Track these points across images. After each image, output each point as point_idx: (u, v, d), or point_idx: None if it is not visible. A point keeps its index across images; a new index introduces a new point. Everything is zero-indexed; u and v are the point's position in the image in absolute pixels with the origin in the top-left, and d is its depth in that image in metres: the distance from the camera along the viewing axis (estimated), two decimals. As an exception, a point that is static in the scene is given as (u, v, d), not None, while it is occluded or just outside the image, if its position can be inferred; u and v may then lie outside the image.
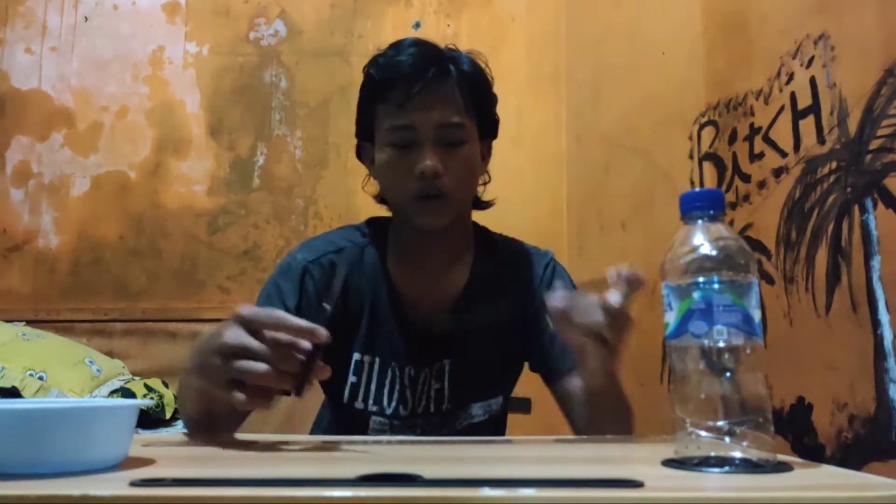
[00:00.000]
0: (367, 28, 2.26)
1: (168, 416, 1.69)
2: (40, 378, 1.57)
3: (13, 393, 1.50)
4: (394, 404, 0.92)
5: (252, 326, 0.64)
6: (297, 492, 0.43)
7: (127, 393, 1.66)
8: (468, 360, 0.93)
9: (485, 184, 1.00)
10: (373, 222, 1.00)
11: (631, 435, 0.88)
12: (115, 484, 0.46)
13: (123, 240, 2.13)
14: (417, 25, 2.26)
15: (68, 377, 1.63)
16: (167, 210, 2.15)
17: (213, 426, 0.80)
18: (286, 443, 0.72)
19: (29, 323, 1.93)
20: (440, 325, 0.94)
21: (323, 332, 0.63)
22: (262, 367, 0.62)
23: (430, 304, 0.95)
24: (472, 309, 0.95)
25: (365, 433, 0.93)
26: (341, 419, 0.97)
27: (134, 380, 1.78)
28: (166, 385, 1.79)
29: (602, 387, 0.80)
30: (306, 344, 0.62)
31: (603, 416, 0.84)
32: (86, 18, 2.24)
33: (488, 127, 0.95)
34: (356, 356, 0.92)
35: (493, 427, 0.98)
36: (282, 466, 0.60)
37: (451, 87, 0.88)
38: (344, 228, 1.01)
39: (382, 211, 1.00)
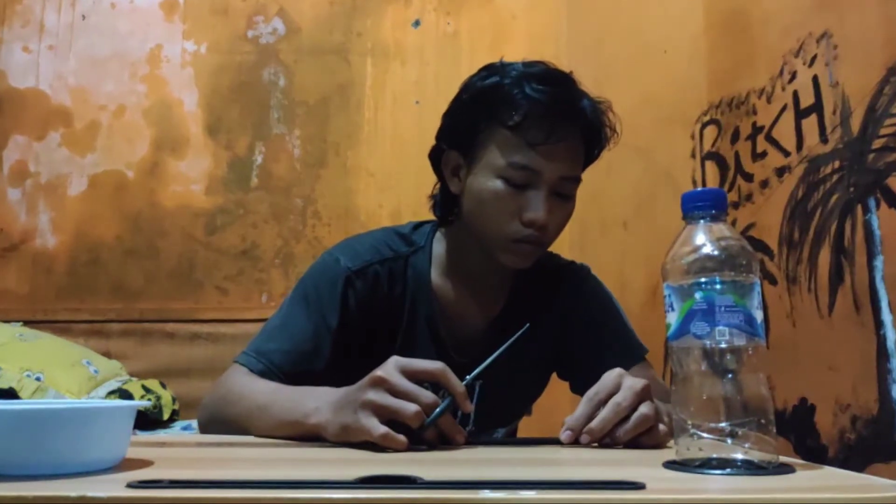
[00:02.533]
0: (367, 26, 2.26)
1: (165, 416, 1.69)
2: (37, 379, 1.56)
3: (10, 394, 1.50)
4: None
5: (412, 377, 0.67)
6: (295, 494, 0.43)
7: (124, 394, 1.66)
8: (500, 385, 0.87)
9: None
10: (418, 228, 0.97)
11: None
12: (113, 485, 0.46)
13: (121, 239, 2.13)
14: (417, 24, 2.26)
15: (66, 378, 1.62)
16: (165, 210, 2.15)
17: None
18: (285, 444, 0.72)
19: (26, 323, 1.92)
20: (472, 346, 0.91)
21: (469, 407, 0.68)
22: (413, 407, 0.65)
23: (468, 322, 0.93)
24: (508, 330, 0.89)
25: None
26: None
27: (131, 380, 1.77)
28: (164, 386, 1.78)
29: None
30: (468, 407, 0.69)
31: None
32: (83, 17, 2.23)
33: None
34: None
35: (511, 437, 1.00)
36: (280, 468, 0.60)
37: (579, 138, 0.86)
38: (386, 232, 0.97)
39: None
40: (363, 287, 0.88)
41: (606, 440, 0.69)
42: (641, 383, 0.70)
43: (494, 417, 0.92)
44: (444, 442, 0.69)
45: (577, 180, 0.87)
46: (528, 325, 0.79)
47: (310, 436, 0.72)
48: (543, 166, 0.82)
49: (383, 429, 0.64)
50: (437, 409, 0.67)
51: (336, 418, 0.68)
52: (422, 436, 0.66)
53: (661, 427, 0.69)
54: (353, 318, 0.88)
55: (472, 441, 0.86)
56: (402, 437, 0.64)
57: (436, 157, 0.93)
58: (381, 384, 0.66)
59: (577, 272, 1.00)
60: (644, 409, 0.68)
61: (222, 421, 0.82)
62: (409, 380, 0.67)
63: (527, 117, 0.82)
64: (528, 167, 0.82)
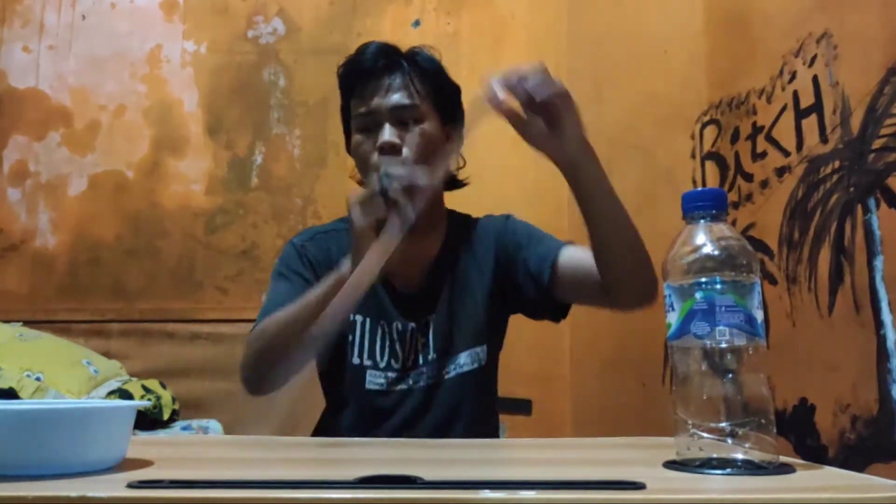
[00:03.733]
0: (367, 26, 2.26)
1: (166, 417, 1.68)
2: (38, 379, 1.56)
3: (10, 394, 1.50)
4: (386, 358, 1.03)
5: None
6: (296, 493, 0.43)
7: (124, 394, 1.66)
8: (449, 314, 1.04)
9: (459, 168, 1.13)
10: None
11: (652, 282, 0.92)
12: (113, 485, 0.46)
13: (121, 239, 2.12)
14: (417, 24, 2.26)
15: (66, 378, 1.62)
16: (165, 210, 2.15)
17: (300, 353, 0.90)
18: (286, 444, 0.72)
19: (26, 323, 1.92)
20: (417, 285, 1.05)
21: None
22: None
23: (409, 267, 1.05)
24: (446, 268, 1.07)
25: (362, 389, 1.02)
26: (339, 384, 1.05)
27: (131, 380, 1.77)
28: (164, 386, 1.78)
29: (583, 169, 0.87)
30: None
31: (610, 234, 0.91)
32: (83, 17, 2.23)
33: (450, 112, 1.08)
34: (351, 317, 1.04)
35: (482, 379, 1.05)
36: (281, 468, 0.60)
37: (404, 76, 1.04)
38: (336, 220, 1.15)
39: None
40: (314, 249, 1.08)
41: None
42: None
43: (451, 341, 1.04)
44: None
45: (414, 107, 1.02)
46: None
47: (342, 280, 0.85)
48: (376, 104, 1.01)
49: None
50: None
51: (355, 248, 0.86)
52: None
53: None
54: (316, 272, 1.05)
55: (438, 367, 1.00)
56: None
57: (348, 148, 1.12)
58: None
59: (505, 216, 1.15)
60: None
61: (273, 344, 0.94)
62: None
63: (357, 79, 1.04)
64: (367, 111, 1.02)
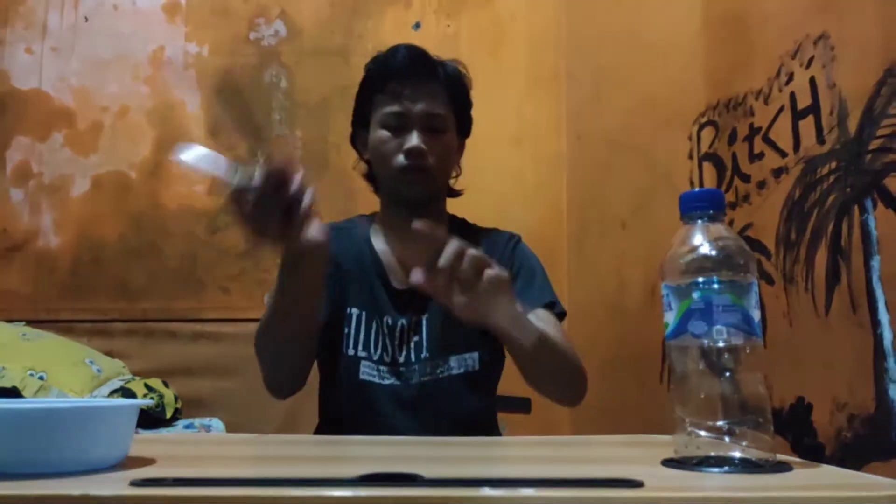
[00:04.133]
0: (367, 28, 2.26)
1: (168, 415, 1.69)
2: (41, 378, 1.57)
3: (14, 393, 1.50)
4: (379, 351, 1.07)
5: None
6: (297, 491, 0.43)
7: (127, 393, 1.66)
8: (442, 316, 1.05)
9: (456, 176, 1.18)
10: (364, 214, 1.22)
11: (576, 392, 0.97)
12: (116, 484, 0.46)
13: (123, 240, 2.13)
14: (417, 26, 2.26)
15: (69, 377, 1.63)
16: (167, 210, 2.15)
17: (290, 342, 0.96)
18: (287, 442, 0.73)
19: (29, 323, 1.92)
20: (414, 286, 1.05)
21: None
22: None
23: (409, 267, 1.05)
24: None
25: (357, 380, 1.04)
26: (336, 372, 1.07)
27: (134, 379, 1.78)
28: (166, 385, 1.79)
29: (513, 339, 0.85)
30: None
31: (537, 371, 0.93)
32: (86, 18, 2.23)
33: (464, 125, 1.14)
34: (348, 310, 1.08)
35: (477, 383, 1.07)
36: (282, 466, 0.60)
37: (437, 85, 1.08)
38: (352, 217, 1.21)
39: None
40: None
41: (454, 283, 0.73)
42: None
43: (442, 343, 1.06)
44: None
45: (443, 116, 1.07)
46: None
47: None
48: (408, 108, 1.05)
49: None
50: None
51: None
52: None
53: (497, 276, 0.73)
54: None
55: (430, 366, 1.02)
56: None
57: (353, 141, 1.17)
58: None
59: (509, 235, 1.17)
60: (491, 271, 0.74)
61: (260, 353, 0.98)
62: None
63: (389, 77, 1.07)
64: (397, 112, 1.05)
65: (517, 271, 1.09)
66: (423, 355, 1.06)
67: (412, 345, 1.07)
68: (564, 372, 0.97)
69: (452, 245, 0.73)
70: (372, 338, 1.07)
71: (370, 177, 1.17)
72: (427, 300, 1.06)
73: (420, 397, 1.03)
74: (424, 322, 1.07)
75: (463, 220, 1.20)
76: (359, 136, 1.15)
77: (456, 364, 1.06)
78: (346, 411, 1.05)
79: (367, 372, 1.05)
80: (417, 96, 1.06)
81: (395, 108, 1.06)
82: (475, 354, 1.07)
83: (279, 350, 0.97)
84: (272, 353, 0.98)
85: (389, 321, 1.07)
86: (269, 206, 0.77)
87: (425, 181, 1.07)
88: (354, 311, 1.08)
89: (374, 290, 1.09)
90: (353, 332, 1.07)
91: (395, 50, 1.10)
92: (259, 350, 0.98)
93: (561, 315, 1.07)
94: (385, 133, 1.07)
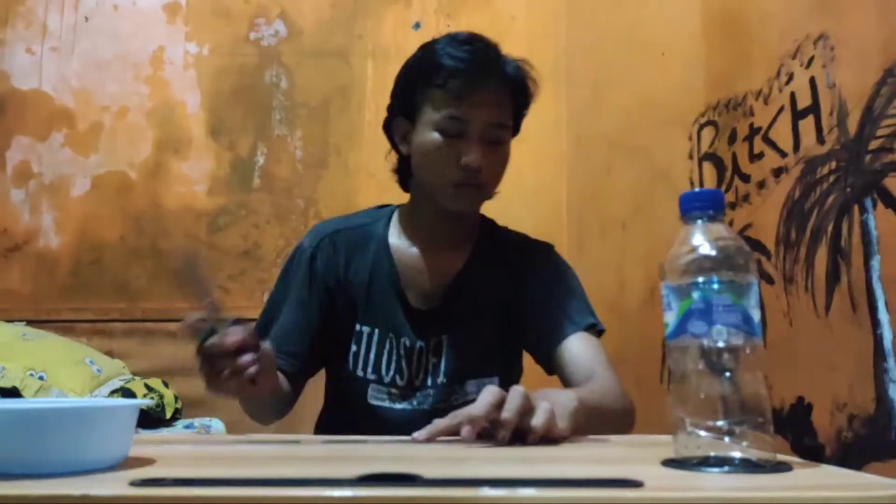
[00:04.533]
0: (368, 28, 2.26)
1: (168, 415, 1.69)
2: (41, 378, 1.57)
3: (14, 393, 1.50)
4: (391, 374, 0.98)
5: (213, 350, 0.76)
6: (297, 491, 0.43)
7: (127, 393, 1.66)
8: (464, 337, 0.99)
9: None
10: (384, 207, 1.09)
11: (627, 430, 0.90)
12: (115, 484, 0.46)
13: (124, 240, 2.13)
14: (417, 26, 2.26)
15: (69, 377, 1.63)
16: (167, 210, 2.15)
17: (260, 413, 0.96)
18: (286, 442, 0.73)
19: (29, 323, 1.92)
20: (433, 301, 1.00)
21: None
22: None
23: (428, 281, 1.01)
24: (468, 289, 1.01)
25: (364, 403, 0.98)
26: (341, 393, 1.02)
27: (134, 380, 1.78)
28: (166, 385, 1.79)
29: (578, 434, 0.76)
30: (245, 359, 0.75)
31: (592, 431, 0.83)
32: (86, 19, 2.23)
33: (517, 129, 1.03)
34: (357, 327, 0.99)
35: None
36: (282, 466, 0.60)
37: (504, 91, 0.95)
38: (357, 212, 1.10)
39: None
40: (323, 258, 1.01)
41: (521, 433, 0.67)
42: (521, 390, 0.69)
43: (462, 366, 0.99)
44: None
45: (506, 127, 0.97)
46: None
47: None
48: (471, 115, 0.92)
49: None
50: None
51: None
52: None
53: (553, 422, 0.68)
54: (321, 284, 1.00)
55: (445, 392, 0.96)
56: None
57: (388, 127, 1.04)
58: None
59: (542, 245, 1.09)
60: (544, 403, 0.68)
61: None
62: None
63: (452, 74, 0.92)
64: (458, 117, 0.92)
65: (554, 288, 1.01)
66: (440, 380, 0.98)
67: (429, 368, 0.99)
68: (614, 424, 0.86)
69: (512, 407, 0.65)
70: (384, 359, 0.99)
71: (401, 170, 1.05)
72: (448, 320, 0.99)
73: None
74: (445, 345, 0.99)
75: (493, 224, 1.10)
76: (397, 125, 1.02)
77: (473, 389, 0.98)
78: (350, 432, 0.97)
79: (375, 396, 0.98)
80: (483, 101, 0.92)
81: (455, 112, 0.92)
82: (495, 379, 0.99)
83: (256, 412, 0.97)
84: (250, 413, 0.97)
85: (406, 343, 0.99)
86: (225, 365, 0.75)
87: (478, 198, 0.98)
88: (365, 329, 0.99)
89: (390, 308, 0.99)
90: (362, 351, 0.99)
91: (461, 40, 0.95)
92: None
93: (600, 333, 1.00)
94: (439, 138, 0.93)
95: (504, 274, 1.02)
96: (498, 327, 1.01)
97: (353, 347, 0.99)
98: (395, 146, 1.04)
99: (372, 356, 0.99)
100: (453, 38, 0.95)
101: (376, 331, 0.99)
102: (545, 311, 0.98)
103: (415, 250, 1.02)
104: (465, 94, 0.92)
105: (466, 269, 1.02)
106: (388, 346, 0.99)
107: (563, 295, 1.00)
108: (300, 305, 1.00)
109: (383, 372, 0.99)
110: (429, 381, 0.99)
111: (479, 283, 1.01)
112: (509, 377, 1.03)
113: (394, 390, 0.98)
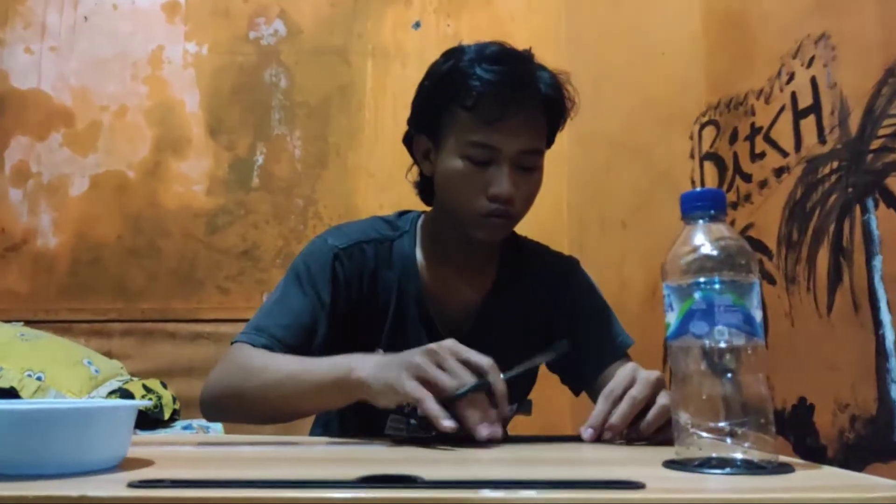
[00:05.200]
0: (367, 28, 2.26)
1: (166, 416, 1.69)
2: (38, 378, 1.57)
3: (11, 393, 1.50)
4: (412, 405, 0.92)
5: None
6: (296, 493, 0.43)
7: (125, 393, 1.66)
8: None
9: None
10: (403, 215, 1.01)
11: None
12: (114, 485, 0.46)
13: (122, 240, 2.13)
14: (417, 25, 2.26)
15: (67, 378, 1.62)
16: (166, 210, 2.15)
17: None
18: (286, 444, 0.72)
19: (27, 323, 1.92)
20: (462, 328, 0.94)
21: (506, 410, 0.70)
22: (453, 382, 0.69)
23: (457, 302, 0.96)
24: (497, 316, 0.96)
25: (381, 429, 0.89)
26: (357, 415, 0.94)
27: (132, 380, 1.77)
28: (165, 386, 1.78)
29: None
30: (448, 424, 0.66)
31: None
32: (85, 18, 2.23)
33: (551, 142, 0.95)
34: (380, 352, 0.91)
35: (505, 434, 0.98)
36: (281, 467, 0.60)
37: (538, 112, 0.88)
38: (374, 219, 1.00)
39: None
40: (350, 264, 0.92)
41: (632, 435, 0.71)
42: (655, 375, 0.71)
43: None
44: (462, 436, 0.68)
45: (539, 152, 0.89)
46: (565, 340, 0.83)
47: (348, 394, 0.74)
48: (502, 142, 0.84)
49: (426, 392, 0.66)
50: (470, 385, 0.68)
51: (381, 374, 0.71)
52: (449, 409, 0.66)
53: None
54: (343, 294, 0.91)
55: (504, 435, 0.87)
56: (439, 410, 0.65)
57: (409, 141, 0.96)
58: (431, 355, 0.69)
59: (567, 261, 1.04)
60: (662, 399, 0.70)
61: (241, 395, 0.82)
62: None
63: (481, 97, 0.84)
64: (487, 144, 0.84)
65: (587, 317, 0.97)
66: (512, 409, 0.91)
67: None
68: None
69: (623, 409, 0.69)
70: None
71: (423, 187, 0.98)
72: (473, 347, 0.89)
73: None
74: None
75: (515, 237, 1.03)
76: (418, 143, 0.94)
77: (513, 410, 0.93)
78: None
79: (393, 427, 0.89)
80: (514, 126, 0.84)
81: (483, 138, 0.84)
82: (514, 406, 0.94)
83: (255, 420, 0.85)
84: (244, 418, 0.85)
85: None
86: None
87: (506, 228, 0.91)
88: (390, 353, 0.90)
89: (415, 336, 0.91)
90: None
91: (491, 57, 0.86)
92: (219, 406, 0.84)
93: (628, 347, 0.97)
94: (466, 165, 0.86)
95: (533, 298, 0.98)
96: (526, 356, 0.94)
97: None
98: (416, 162, 0.97)
99: None
100: (482, 54, 0.87)
101: None
102: (582, 342, 0.93)
103: (441, 272, 0.96)
104: (495, 119, 0.83)
105: (493, 292, 0.97)
106: None
107: (595, 317, 0.97)
108: (318, 306, 0.91)
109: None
110: None
111: (507, 308, 0.97)
112: (523, 400, 0.99)
113: (412, 420, 0.91)
